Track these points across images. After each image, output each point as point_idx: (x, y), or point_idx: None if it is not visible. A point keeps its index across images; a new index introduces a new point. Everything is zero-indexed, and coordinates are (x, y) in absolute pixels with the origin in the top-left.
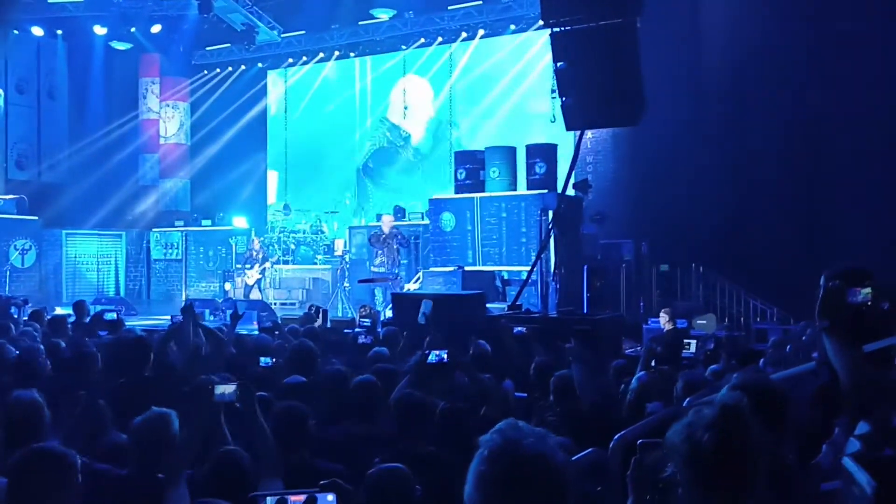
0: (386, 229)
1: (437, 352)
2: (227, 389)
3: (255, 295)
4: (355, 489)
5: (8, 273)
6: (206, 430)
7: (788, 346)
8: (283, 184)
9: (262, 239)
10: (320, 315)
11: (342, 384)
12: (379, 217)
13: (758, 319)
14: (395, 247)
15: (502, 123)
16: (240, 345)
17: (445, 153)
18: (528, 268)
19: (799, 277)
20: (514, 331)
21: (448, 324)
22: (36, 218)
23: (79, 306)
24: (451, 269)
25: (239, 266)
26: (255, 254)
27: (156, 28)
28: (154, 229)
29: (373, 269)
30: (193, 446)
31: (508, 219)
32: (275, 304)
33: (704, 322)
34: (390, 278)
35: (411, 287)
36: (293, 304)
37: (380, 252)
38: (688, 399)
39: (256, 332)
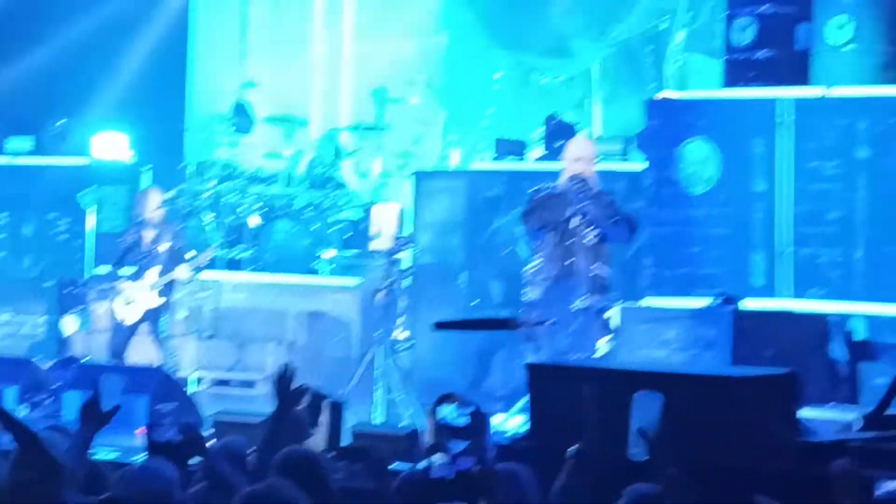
0: (569, 174)
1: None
2: None
3: (141, 352)
4: None
5: None
6: None
7: None
8: (234, 41)
9: (170, 195)
10: (326, 411)
11: None
12: (518, 148)
13: None
14: (584, 230)
15: None
16: (95, 486)
17: None
18: None
19: None
20: (881, 490)
21: (693, 448)
22: None
23: None
24: (702, 302)
25: (102, 271)
26: (148, 236)
27: None
28: None
29: (526, 292)
30: None
31: (877, 163)
32: (201, 380)
33: None
34: (537, 322)
35: (602, 346)
36: (250, 382)
37: (545, 241)
38: None
39: (143, 456)
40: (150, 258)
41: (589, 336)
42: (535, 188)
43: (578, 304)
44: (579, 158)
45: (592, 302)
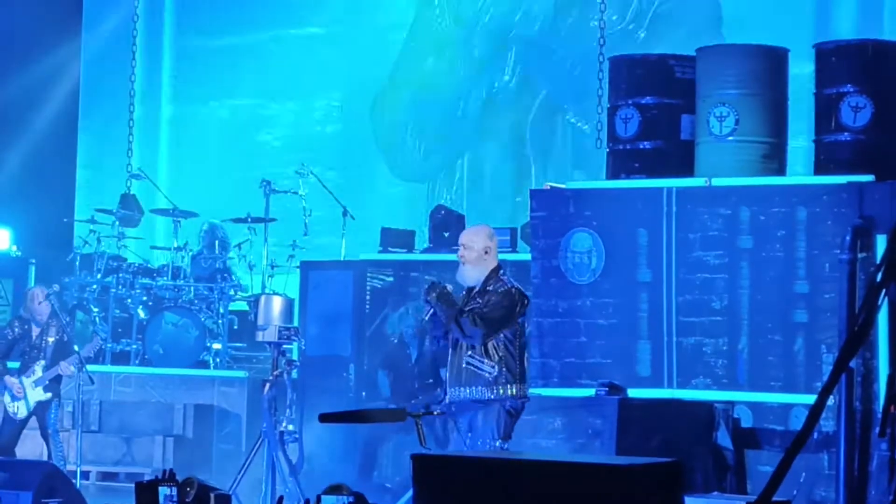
0: (476, 257)
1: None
2: None
3: (30, 446)
4: None
5: None
6: None
7: None
8: (121, 142)
9: (52, 291)
10: None
11: None
12: (428, 232)
13: None
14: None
15: None
16: None
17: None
18: (812, 400)
19: None
20: None
21: None
22: None
23: None
24: (585, 392)
25: None
26: (34, 331)
27: None
28: None
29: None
30: None
31: (759, 252)
32: (89, 474)
33: None
34: (437, 411)
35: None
36: (140, 474)
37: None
38: None
39: None
40: (36, 352)
41: (471, 427)
42: None
43: (453, 395)
44: (458, 245)
45: (467, 394)
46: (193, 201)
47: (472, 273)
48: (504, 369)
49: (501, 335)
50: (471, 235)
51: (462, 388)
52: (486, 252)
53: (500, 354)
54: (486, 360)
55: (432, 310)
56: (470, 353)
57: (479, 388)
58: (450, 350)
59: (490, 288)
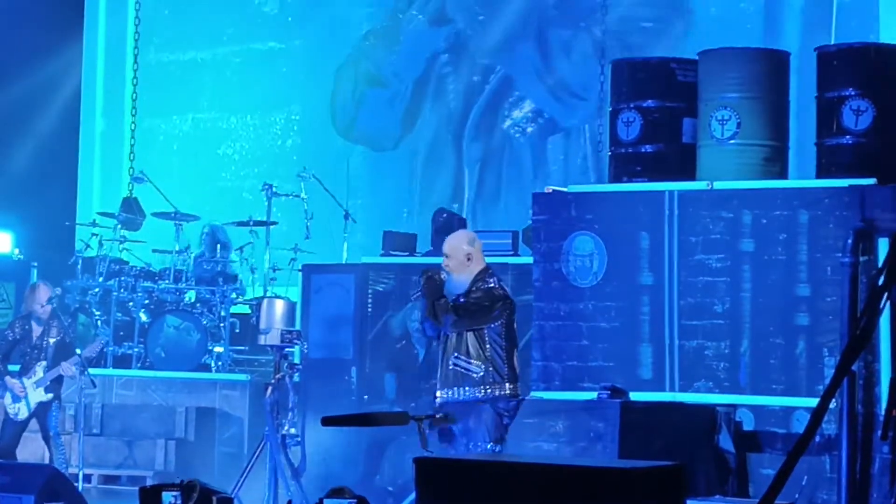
0: (458, 265)
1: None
2: None
3: (31, 448)
4: None
5: None
6: None
7: None
8: (115, 146)
9: (55, 294)
10: None
11: None
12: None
13: None
14: (480, 331)
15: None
16: None
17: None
18: (814, 403)
19: None
20: None
21: None
22: None
23: None
24: (587, 396)
25: None
26: (36, 330)
27: None
28: None
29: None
30: None
31: (761, 255)
32: (91, 477)
33: None
34: (439, 415)
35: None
36: (142, 477)
37: (450, 336)
38: None
39: None
40: (37, 353)
41: (466, 431)
42: None
43: (443, 397)
44: (444, 254)
45: (456, 395)
46: (194, 204)
47: (459, 279)
48: (491, 369)
49: (486, 335)
50: (451, 243)
51: (451, 390)
52: (468, 258)
53: (487, 355)
54: (472, 361)
55: (419, 292)
56: (456, 354)
57: (468, 388)
58: (440, 353)
59: (473, 287)
